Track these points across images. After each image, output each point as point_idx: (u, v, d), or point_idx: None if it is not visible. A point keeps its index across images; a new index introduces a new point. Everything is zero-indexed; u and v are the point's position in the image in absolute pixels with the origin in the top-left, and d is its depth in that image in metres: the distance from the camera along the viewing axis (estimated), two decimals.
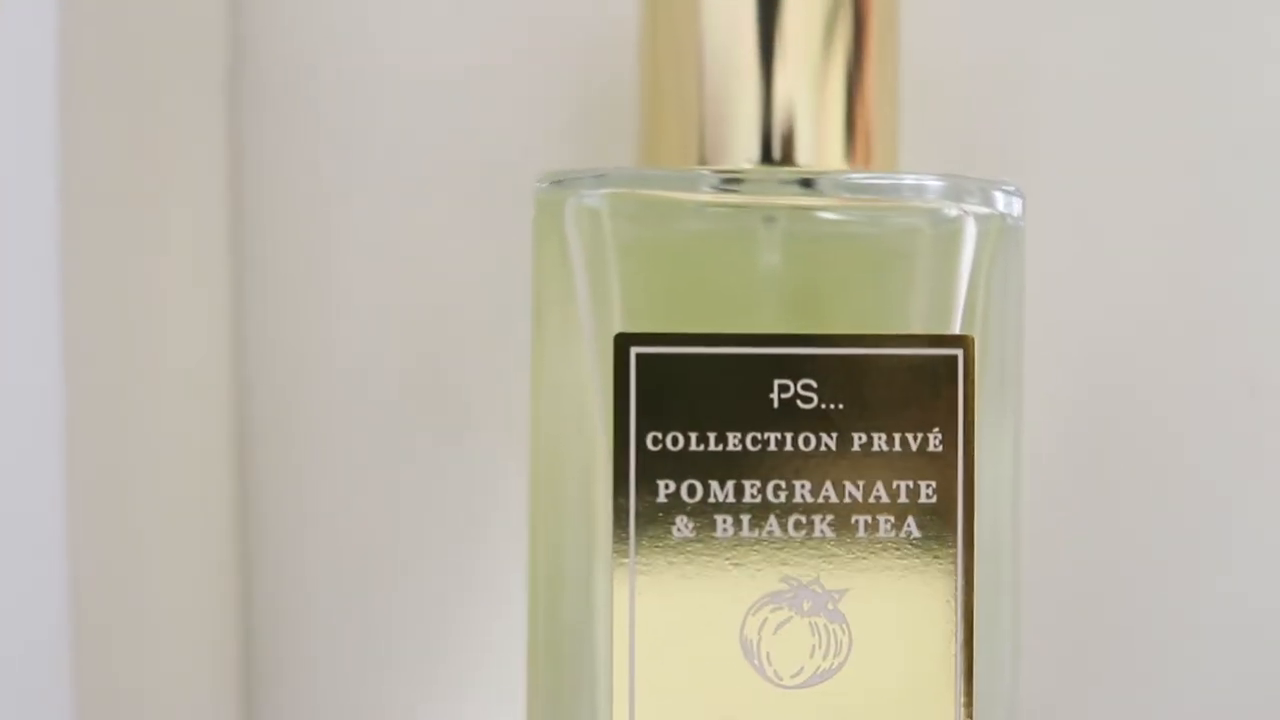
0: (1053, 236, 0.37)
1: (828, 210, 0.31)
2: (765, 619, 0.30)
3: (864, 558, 0.30)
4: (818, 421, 0.30)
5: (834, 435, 0.30)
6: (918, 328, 0.31)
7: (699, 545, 0.30)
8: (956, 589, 0.31)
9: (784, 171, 0.32)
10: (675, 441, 0.30)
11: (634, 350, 0.30)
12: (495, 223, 0.38)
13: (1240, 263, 0.39)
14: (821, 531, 0.30)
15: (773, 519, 0.30)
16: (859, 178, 0.31)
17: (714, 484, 0.30)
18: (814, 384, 0.30)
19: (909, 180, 0.31)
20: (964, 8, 0.38)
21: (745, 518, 0.30)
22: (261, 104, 0.38)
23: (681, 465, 0.30)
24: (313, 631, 0.39)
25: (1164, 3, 0.39)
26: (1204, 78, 0.39)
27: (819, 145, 0.32)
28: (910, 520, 0.30)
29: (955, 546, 0.31)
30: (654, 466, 0.30)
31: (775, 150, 0.32)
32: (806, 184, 0.31)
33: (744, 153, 0.32)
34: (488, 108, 0.38)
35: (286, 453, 0.39)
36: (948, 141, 0.38)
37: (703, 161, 0.32)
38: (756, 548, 0.30)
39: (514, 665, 0.35)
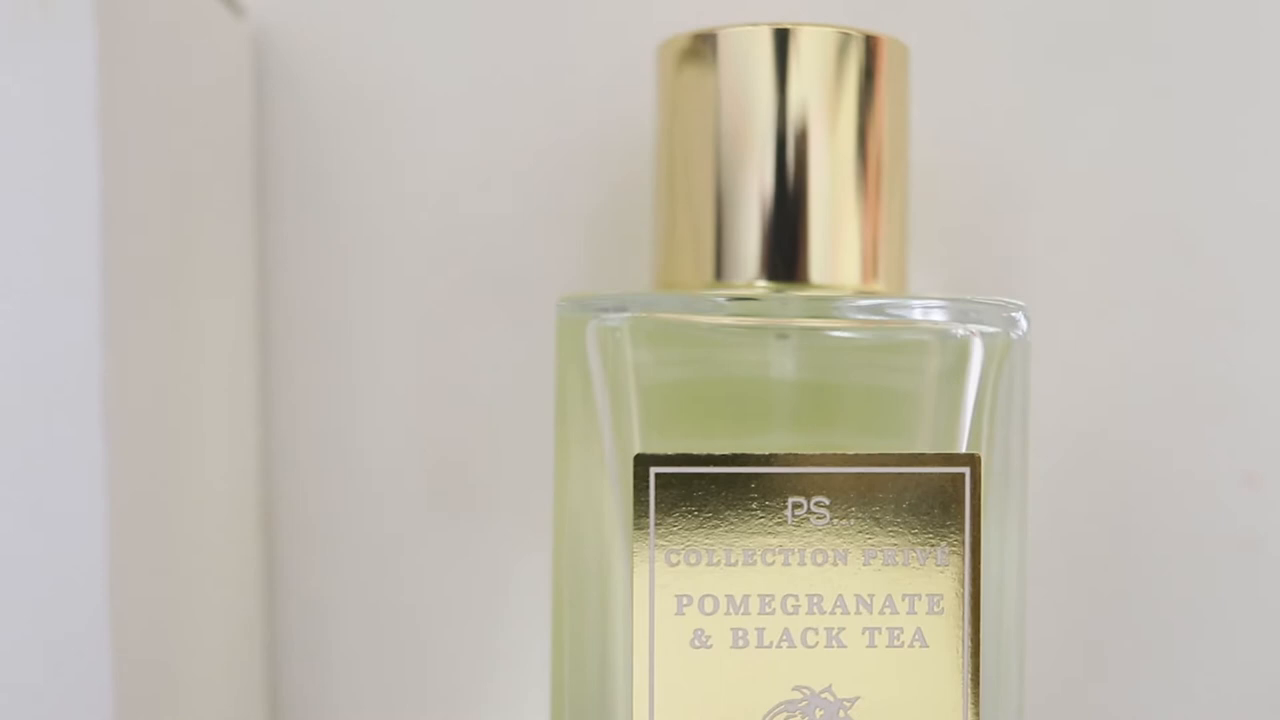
0: (1051, 344, 0.39)
1: (840, 330, 0.33)
2: None
3: (874, 667, 0.32)
4: (830, 537, 0.32)
5: (846, 550, 0.32)
6: (926, 443, 0.32)
7: (715, 655, 0.32)
8: (964, 694, 0.32)
9: (796, 293, 0.33)
10: (692, 558, 0.32)
11: (653, 470, 0.31)
12: (512, 323, 0.39)
13: (1236, 364, 0.40)
14: (833, 642, 0.32)
15: (786, 630, 0.32)
16: (870, 301, 0.33)
17: (730, 596, 0.32)
18: (826, 501, 0.32)
19: (918, 303, 0.32)
20: (966, 122, 0.39)
21: (760, 629, 0.32)
22: (285, 221, 0.40)
23: (699, 578, 0.32)
24: (338, 705, 0.40)
25: (1159, 111, 0.40)
26: (1199, 184, 0.40)
27: (831, 264, 0.34)
28: (919, 630, 0.32)
29: (962, 654, 0.32)
30: (672, 580, 0.32)
31: (788, 269, 0.33)
32: (819, 305, 0.33)
33: (758, 271, 0.33)
34: (505, 216, 0.39)
35: (312, 541, 0.40)
36: (951, 250, 0.39)
37: (718, 278, 0.34)
38: (771, 658, 0.32)
39: None
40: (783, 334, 0.33)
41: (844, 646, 0.32)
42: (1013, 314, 0.33)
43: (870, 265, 0.34)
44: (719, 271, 0.34)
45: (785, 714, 0.32)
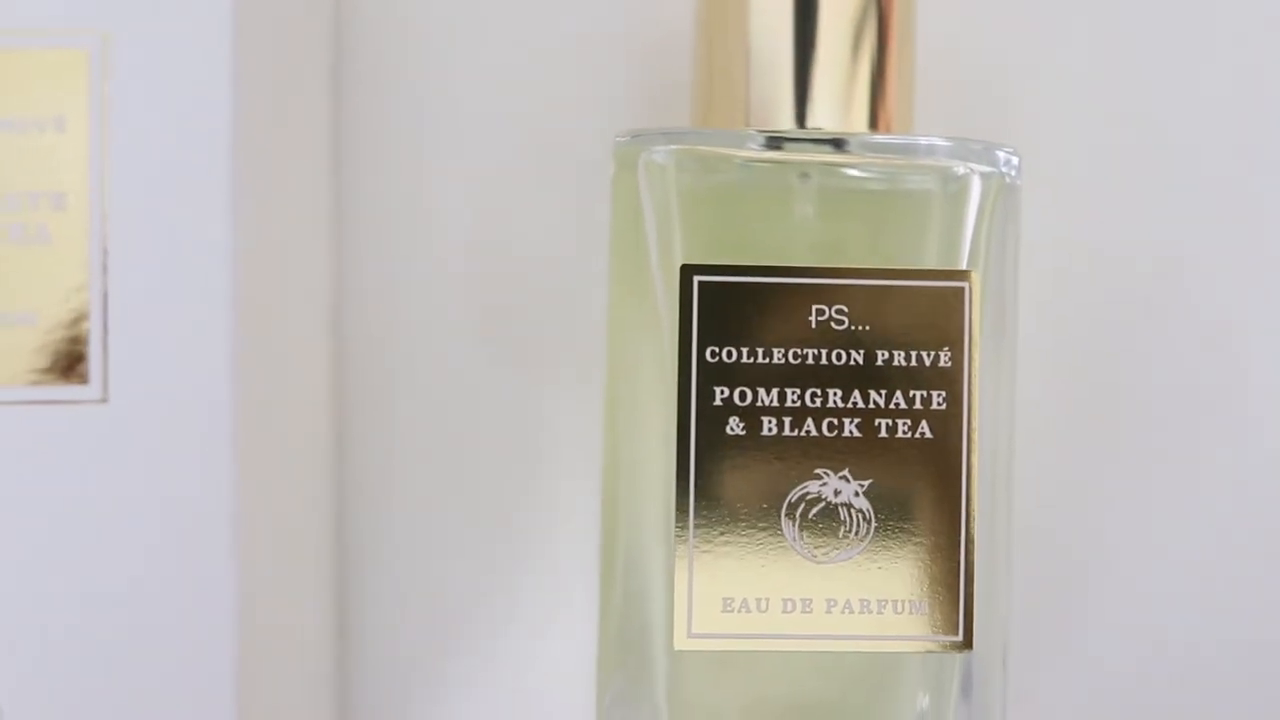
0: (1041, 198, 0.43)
1: (854, 167, 0.37)
2: (802, 505, 0.36)
3: (885, 454, 0.36)
4: (848, 340, 0.36)
5: (861, 352, 0.36)
6: (930, 266, 0.37)
7: (747, 442, 0.36)
8: (962, 481, 0.37)
9: (817, 133, 0.38)
10: (729, 355, 0.36)
11: (696, 279, 0.36)
12: (564, 178, 0.44)
13: (1222, 234, 0.45)
14: (850, 432, 0.36)
15: (809, 421, 0.36)
16: (880, 139, 0.38)
17: (761, 391, 0.36)
18: (845, 309, 0.36)
19: (923, 142, 0.37)
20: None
21: (786, 419, 0.36)
22: (360, 83, 0.44)
23: (734, 375, 0.36)
24: (400, 529, 0.45)
25: None
26: (1191, 48, 0.44)
27: (847, 112, 0.38)
28: (924, 423, 0.37)
29: (961, 445, 0.37)
30: (711, 376, 0.36)
31: (810, 117, 0.38)
32: (836, 144, 0.37)
33: (784, 118, 0.38)
34: (559, 79, 0.44)
35: (380, 378, 0.45)
36: (953, 109, 0.44)
37: (748, 125, 0.38)
38: (796, 445, 0.36)
39: (587, 533, 0.42)
40: (805, 174, 0.37)
41: (859, 435, 0.36)
42: (1007, 154, 0.37)
43: (884, 115, 0.39)
44: (748, 120, 0.39)
45: (808, 494, 0.36)
